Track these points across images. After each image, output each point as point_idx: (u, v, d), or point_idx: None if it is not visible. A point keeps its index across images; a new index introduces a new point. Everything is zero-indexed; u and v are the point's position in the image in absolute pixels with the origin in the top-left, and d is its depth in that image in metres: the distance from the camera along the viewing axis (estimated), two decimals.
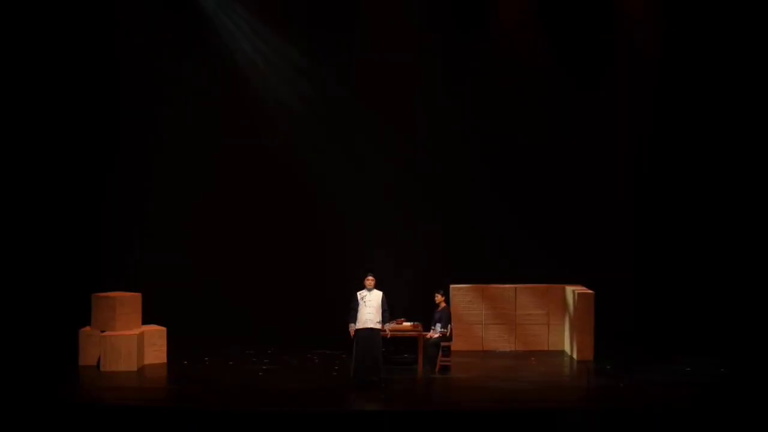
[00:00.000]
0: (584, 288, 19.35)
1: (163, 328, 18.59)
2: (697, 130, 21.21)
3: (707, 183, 21.18)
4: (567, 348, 19.75)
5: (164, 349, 18.50)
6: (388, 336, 17.24)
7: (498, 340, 20.08)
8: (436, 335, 18.07)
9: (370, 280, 17.06)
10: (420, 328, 18.20)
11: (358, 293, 17.16)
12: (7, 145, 20.85)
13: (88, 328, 18.26)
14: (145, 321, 18.67)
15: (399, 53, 21.12)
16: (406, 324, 18.20)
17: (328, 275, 20.89)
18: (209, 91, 21.17)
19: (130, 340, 17.82)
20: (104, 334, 17.90)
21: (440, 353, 17.92)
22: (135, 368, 17.76)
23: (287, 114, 21.38)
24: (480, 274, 20.36)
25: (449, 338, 18.24)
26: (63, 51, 20.78)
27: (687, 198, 21.29)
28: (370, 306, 16.92)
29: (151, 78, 21.16)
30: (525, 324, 20.04)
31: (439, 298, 18.40)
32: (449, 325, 18.29)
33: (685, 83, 21.18)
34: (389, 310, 17.16)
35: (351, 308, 17.15)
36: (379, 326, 16.83)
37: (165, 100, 21.20)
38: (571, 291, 19.49)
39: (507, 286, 20.12)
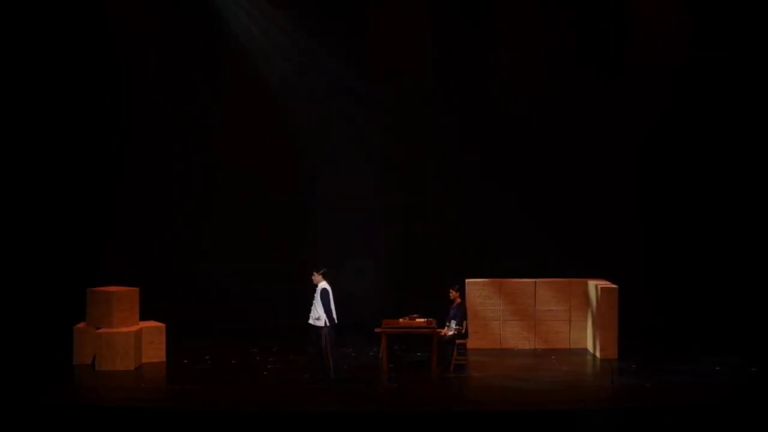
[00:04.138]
0: (608, 282, 19.15)
1: (162, 325, 18.45)
2: (710, 122, 21.41)
3: (730, 175, 21.45)
4: (590, 346, 19.48)
5: (163, 346, 18.33)
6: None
7: (517, 337, 19.79)
8: (451, 332, 17.89)
9: (313, 276, 17.01)
10: (434, 324, 18.02)
11: None
12: (5, 141, 21.13)
13: (83, 324, 18.10)
14: (143, 317, 18.48)
15: (409, 47, 21.36)
16: (419, 320, 18.09)
17: (336, 271, 20.55)
18: (208, 87, 21.56)
19: (127, 338, 17.63)
20: (100, 331, 17.70)
21: (455, 351, 17.75)
22: (132, 367, 17.60)
23: (291, 111, 21.52)
24: (496, 268, 20.16)
25: (464, 335, 18.07)
26: (60, 41, 21.26)
27: (712, 191, 21.50)
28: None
29: (150, 76, 21.58)
30: (545, 320, 19.78)
31: (453, 293, 18.25)
32: (464, 322, 18.11)
33: (695, 79, 21.29)
34: (325, 302, 16.75)
35: None
36: (318, 323, 16.75)
37: (164, 98, 21.57)
38: (593, 286, 19.23)
39: (526, 280, 19.95)
